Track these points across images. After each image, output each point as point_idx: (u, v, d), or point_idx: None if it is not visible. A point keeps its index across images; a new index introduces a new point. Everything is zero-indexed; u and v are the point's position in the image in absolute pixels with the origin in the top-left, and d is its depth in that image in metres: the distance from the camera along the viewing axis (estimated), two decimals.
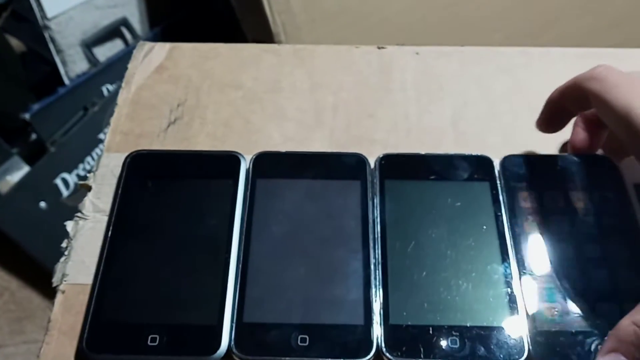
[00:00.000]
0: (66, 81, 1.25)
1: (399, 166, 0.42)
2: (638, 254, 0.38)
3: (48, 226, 1.13)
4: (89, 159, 1.20)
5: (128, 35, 1.32)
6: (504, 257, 0.38)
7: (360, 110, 0.46)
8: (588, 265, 0.38)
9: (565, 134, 0.43)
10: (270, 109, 0.46)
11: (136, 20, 1.32)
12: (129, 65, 0.48)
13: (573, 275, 0.37)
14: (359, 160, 0.42)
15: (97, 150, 1.20)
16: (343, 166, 0.42)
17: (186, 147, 0.44)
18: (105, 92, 1.24)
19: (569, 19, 1.03)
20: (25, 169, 1.17)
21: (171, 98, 0.46)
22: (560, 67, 0.48)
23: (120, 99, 0.46)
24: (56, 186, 1.17)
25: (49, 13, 1.17)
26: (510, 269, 0.37)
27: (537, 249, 0.38)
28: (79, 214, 0.41)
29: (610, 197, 0.40)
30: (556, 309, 0.36)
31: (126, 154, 0.43)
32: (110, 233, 0.39)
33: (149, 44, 0.49)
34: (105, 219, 0.41)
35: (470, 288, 0.37)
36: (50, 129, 1.19)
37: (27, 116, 1.15)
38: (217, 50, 0.49)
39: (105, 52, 1.29)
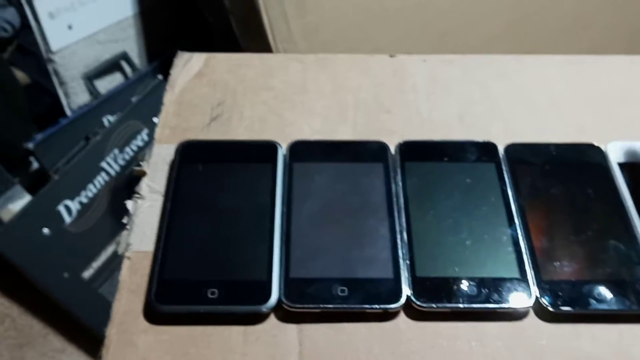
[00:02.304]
0: (68, 112, 1.29)
1: (416, 150, 0.48)
2: (615, 220, 0.44)
3: (51, 253, 1.16)
4: (91, 186, 1.23)
5: (128, 69, 1.37)
6: (510, 221, 0.44)
7: (378, 107, 0.53)
8: (576, 229, 0.44)
9: (556, 126, 0.50)
10: (299, 107, 0.52)
11: (135, 55, 1.37)
12: (171, 72, 0.54)
13: (567, 236, 0.44)
14: (381, 146, 0.49)
15: (99, 177, 1.24)
16: (367, 151, 0.48)
17: (228, 138, 0.50)
18: (106, 123, 1.28)
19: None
20: (27, 198, 1.20)
21: (211, 98, 0.52)
22: (550, 71, 0.55)
23: (166, 100, 0.52)
24: (59, 213, 1.20)
25: (53, 47, 1.22)
26: (516, 231, 0.44)
27: (536, 216, 0.45)
28: (136, 195, 0.46)
29: (595, 174, 0.47)
30: (556, 263, 0.42)
31: (174, 145, 0.48)
32: (169, 208, 0.45)
33: (187, 54, 0.55)
34: (161, 198, 0.46)
35: (483, 246, 0.43)
36: (53, 158, 1.22)
37: (30, 146, 1.19)
38: (249, 59, 0.56)
39: (106, 84, 1.34)
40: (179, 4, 1.38)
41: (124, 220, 0.46)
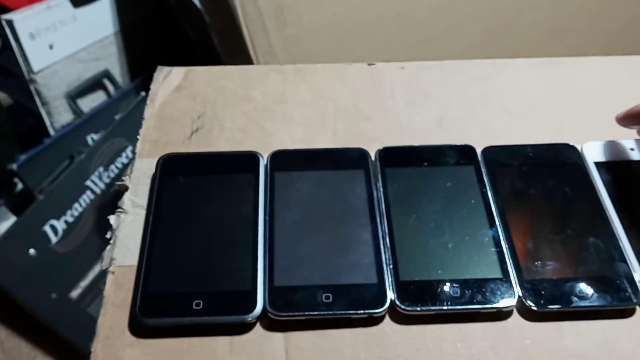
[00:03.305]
0: (52, 132, 1.28)
1: (396, 156, 0.49)
2: (594, 218, 0.45)
3: (38, 273, 1.15)
4: (76, 205, 1.23)
5: (110, 87, 1.37)
6: (491, 223, 0.45)
7: (358, 115, 0.53)
8: (556, 228, 0.45)
9: (534, 128, 0.51)
10: (279, 117, 0.53)
11: (118, 73, 1.38)
12: (151, 87, 0.54)
13: (547, 235, 0.44)
14: (362, 153, 0.49)
15: (85, 196, 1.23)
16: (348, 158, 0.49)
17: (209, 150, 0.50)
18: (90, 141, 1.27)
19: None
20: (12, 219, 1.20)
21: (191, 111, 0.53)
22: (526, 74, 0.56)
23: (147, 114, 0.52)
24: (45, 233, 1.19)
25: (35, 67, 1.22)
26: (497, 232, 0.44)
27: (516, 217, 0.45)
28: (119, 209, 0.46)
29: (572, 174, 0.48)
30: (538, 262, 0.43)
31: (156, 158, 0.49)
32: (151, 221, 0.45)
33: (166, 68, 0.56)
34: (143, 212, 0.46)
35: (465, 248, 0.43)
36: (38, 178, 1.21)
37: (14, 167, 1.18)
38: (228, 71, 0.56)
39: (88, 103, 1.34)
40: (160, 20, 1.39)
41: (107, 235, 0.46)
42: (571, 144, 0.50)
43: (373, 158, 0.49)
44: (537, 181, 0.47)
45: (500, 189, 0.47)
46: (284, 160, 0.48)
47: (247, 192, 0.46)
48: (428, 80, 0.56)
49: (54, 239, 1.21)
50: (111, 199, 1.25)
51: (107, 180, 1.25)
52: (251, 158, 0.49)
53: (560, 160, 0.49)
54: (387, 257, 0.43)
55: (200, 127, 0.51)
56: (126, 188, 0.48)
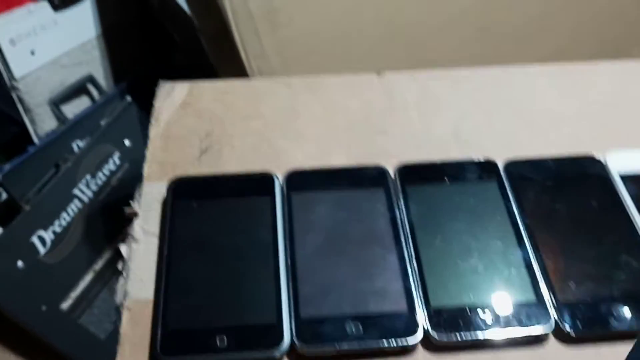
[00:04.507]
0: (36, 140, 1.25)
1: (416, 173, 0.47)
2: (624, 233, 0.44)
3: (26, 286, 1.12)
4: (64, 214, 1.20)
5: (94, 92, 1.34)
6: (520, 242, 0.43)
7: (371, 128, 0.51)
8: (586, 245, 0.43)
9: (552, 138, 0.49)
10: (291, 134, 0.51)
11: (101, 77, 1.35)
12: (155, 104, 0.52)
13: (578, 254, 0.43)
14: (380, 171, 0.47)
15: (72, 205, 1.20)
16: (367, 177, 0.47)
17: (220, 172, 0.48)
18: (75, 148, 1.24)
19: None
20: None
21: (199, 129, 0.50)
22: (540, 81, 0.55)
23: (152, 134, 0.50)
24: (33, 244, 1.16)
25: (17, 74, 1.19)
26: (527, 252, 0.43)
27: (545, 235, 0.44)
28: (130, 238, 0.44)
29: (597, 187, 0.47)
30: (571, 283, 0.41)
31: (165, 182, 0.46)
32: (166, 251, 0.43)
33: (169, 84, 0.53)
34: (156, 240, 0.44)
35: (495, 270, 0.42)
36: (23, 188, 1.18)
37: None
38: (234, 85, 0.54)
39: (72, 109, 1.31)
40: (144, 22, 1.36)
41: (119, 266, 0.43)
42: (593, 154, 0.49)
43: (392, 175, 0.47)
44: (562, 196, 0.46)
45: (525, 206, 0.45)
46: (300, 180, 0.47)
47: (265, 216, 0.44)
48: (440, 89, 0.54)
49: (42, 250, 1.18)
50: (100, 207, 1.23)
51: (94, 188, 1.22)
52: (266, 179, 0.47)
53: (584, 172, 0.47)
54: (415, 282, 0.41)
55: (210, 147, 0.49)
56: (135, 214, 0.45)
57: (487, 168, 0.47)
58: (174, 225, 0.44)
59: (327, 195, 0.46)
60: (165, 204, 0.45)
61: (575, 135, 0.51)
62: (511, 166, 0.48)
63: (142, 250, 0.44)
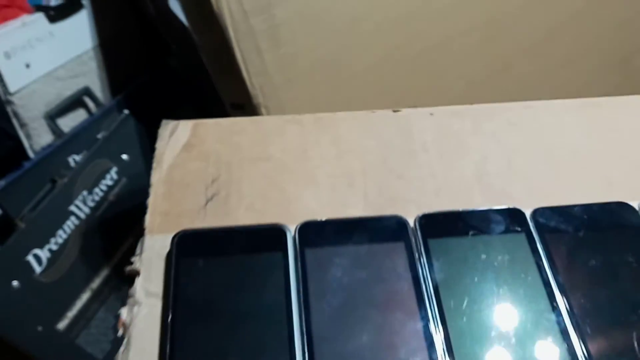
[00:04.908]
0: (31, 155, 1.22)
1: (438, 224, 0.44)
2: None
3: (22, 306, 1.10)
4: (60, 232, 1.17)
5: (91, 104, 1.31)
6: (553, 305, 0.40)
7: (388, 172, 0.48)
8: (626, 308, 0.40)
9: (581, 182, 0.46)
10: (302, 178, 0.47)
11: (98, 89, 1.32)
12: (157, 146, 0.49)
13: (616, 318, 0.40)
14: (400, 222, 0.44)
15: (69, 222, 1.18)
16: (385, 229, 0.44)
17: (228, 222, 0.45)
18: (72, 163, 1.21)
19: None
20: None
21: (204, 175, 0.47)
22: (565, 118, 0.51)
23: (154, 179, 0.47)
24: (28, 263, 1.13)
25: (12, 88, 1.16)
26: (562, 317, 0.39)
27: (580, 295, 0.40)
28: (130, 300, 0.41)
29: (633, 238, 0.44)
30: (613, 354, 0.38)
31: (169, 234, 0.43)
32: (170, 314, 0.39)
33: (172, 123, 0.50)
34: (159, 302, 0.41)
35: (529, 339, 0.39)
36: (19, 205, 1.15)
37: None
38: (240, 124, 0.51)
39: (69, 122, 1.28)
40: (141, 33, 1.33)
41: (119, 333, 0.40)
42: (626, 200, 0.46)
43: (412, 224, 0.44)
44: (596, 250, 0.43)
45: (557, 261, 0.42)
46: (313, 233, 0.43)
47: (277, 275, 0.41)
48: (460, 127, 0.51)
49: (38, 269, 1.15)
50: (97, 223, 1.20)
51: (91, 204, 1.20)
52: (277, 233, 0.43)
53: (618, 222, 0.44)
54: (444, 352, 0.38)
55: (216, 194, 0.46)
56: (137, 273, 0.42)
57: (513, 218, 0.44)
58: (179, 285, 0.41)
59: (343, 250, 0.43)
60: (168, 260, 0.42)
61: (607, 179, 0.48)
62: (538, 215, 0.45)
63: (144, 315, 0.40)
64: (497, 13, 1.08)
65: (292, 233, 0.43)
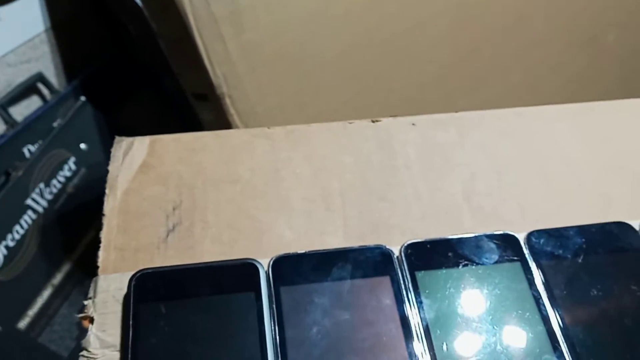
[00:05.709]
0: None
1: (425, 255, 0.40)
2: None
3: None
4: (17, 227, 1.13)
5: (45, 91, 1.25)
6: (554, 343, 0.37)
7: (369, 193, 0.44)
8: (635, 345, 0.37)
9: (577, 199, 0.42)
10: (274, 203, 0.43)
11: (52, 75, 1.26)
12: (110, 167, 0.43)
13: (622, 355, 0.36)
14: (384, 254, 0.40)
15: (26, 217, 1.13)
16: (368, 261, 0.40)
17: (192, 256, 0.40)
18: (27, 154, 1.17)
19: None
20: None
21: (164, 201, 0.42)
22: (558, 126, 0.48)
23: (107, 208, 0.41)
24: None
25: None
26: (563, 355, 0.36)
27: (584, 331, 0.37)
28: (84, 353, 0.36)
29: (636, 263, 0.40)
30: None
31: (126, 273, 0.38)
32: None
33: (126, 140, 0.45)
34: (117, 355, 0.36)
35: None
36: None
37: None
38: (203, 140, 0.45)
39: (22, 110, 1.23)
40: (97, 15, 1.27)
41: None
42: (625, 220, 0.42)
43: (397, 254, 0.40)
44: (598, 278, 0.39)
45: (556, 293, 0.39)
46: (289, 268, 0.39)
47: (249, 319, 0.37)
48: (446, 139, 0.47)
49: None
50: (56, 217, 1.16)
51: (49, 197, 1.16)
52: (248, 269, 0.39)
53: (619, 245, 0.41)
54: None
55: (178, 224, 0.41)
56: (91, 320, 0.37)
57: (507, 244, 0.41)
58: (138, 334, 0.36)
59: (323, 288, 0.38)
60: (126, 304, 0.37)
61: (605, 196, 0.44)
62: (534, 240, 0.41)
63: None
64: None
65: (265, 269, 0.39)
